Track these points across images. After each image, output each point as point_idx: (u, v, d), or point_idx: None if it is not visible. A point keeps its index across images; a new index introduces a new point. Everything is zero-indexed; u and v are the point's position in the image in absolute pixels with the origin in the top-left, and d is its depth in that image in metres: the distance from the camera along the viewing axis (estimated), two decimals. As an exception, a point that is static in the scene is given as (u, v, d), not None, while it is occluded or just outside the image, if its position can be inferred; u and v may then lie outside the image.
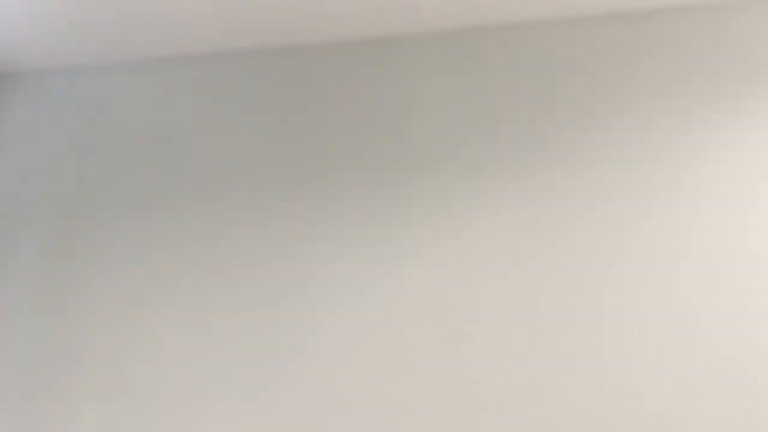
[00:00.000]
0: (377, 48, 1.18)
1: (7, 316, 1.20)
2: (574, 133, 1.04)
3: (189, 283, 1.14)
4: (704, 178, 0.96)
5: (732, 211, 0.94)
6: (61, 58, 1.28)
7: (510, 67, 1.10)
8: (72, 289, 1.19)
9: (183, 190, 1.20)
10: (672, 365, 0.89)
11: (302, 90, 1.20)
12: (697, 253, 0.93)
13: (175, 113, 1.25)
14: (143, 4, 1.05)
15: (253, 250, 1.13)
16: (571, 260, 0.98)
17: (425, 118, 1.12)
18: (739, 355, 0.87)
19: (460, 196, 1.06)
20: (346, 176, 1.14)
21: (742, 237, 0.92)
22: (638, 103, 1.03)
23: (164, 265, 1.17)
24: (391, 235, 1.07)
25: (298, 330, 1.07)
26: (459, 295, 1.01)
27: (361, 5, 1.04)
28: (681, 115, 1.00)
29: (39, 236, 1.23)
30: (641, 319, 0.93)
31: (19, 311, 1.20)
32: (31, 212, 1.25)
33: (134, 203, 1.21)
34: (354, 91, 1.17)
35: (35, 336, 1.18)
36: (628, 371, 0.91)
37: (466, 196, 1.06)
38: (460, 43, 1.13)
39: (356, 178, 1.13)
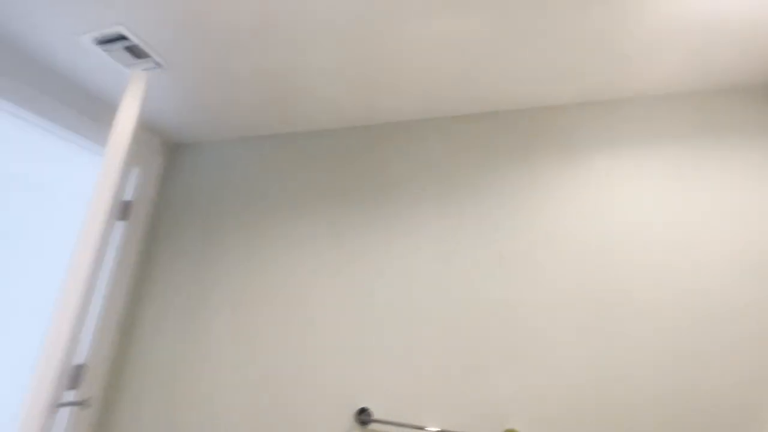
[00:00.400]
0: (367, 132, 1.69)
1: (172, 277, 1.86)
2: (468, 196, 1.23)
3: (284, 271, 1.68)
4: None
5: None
6: (208, 135, 2.04)
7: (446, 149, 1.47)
8: (210, 276, 1.81)
9: (274, 223, 1.81)
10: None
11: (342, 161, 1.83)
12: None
13: (270, 173, 1.89)
14: (258, 105, 1.69)
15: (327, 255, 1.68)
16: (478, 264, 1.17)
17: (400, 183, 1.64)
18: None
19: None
20: (356, 217, 1.65)
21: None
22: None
23: (263, 269, 1.77)
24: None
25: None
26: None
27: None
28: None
29: (193, 243, 1.90)
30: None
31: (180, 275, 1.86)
32: (189, 230, 1.93)
33: (245, 230, 1.83)
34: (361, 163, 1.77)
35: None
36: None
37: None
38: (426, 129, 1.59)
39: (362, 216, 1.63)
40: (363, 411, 1.37)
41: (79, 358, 1.64)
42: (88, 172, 1.90)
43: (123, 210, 1.82)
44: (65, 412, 1.57)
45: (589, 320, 1.26)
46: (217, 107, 1.76)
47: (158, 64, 1.50)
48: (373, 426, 1.36)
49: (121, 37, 1.39)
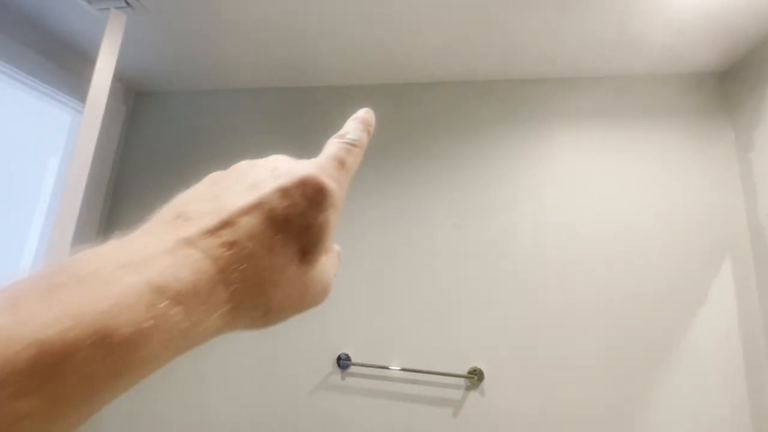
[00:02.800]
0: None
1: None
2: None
3: None
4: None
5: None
6: (178, 84, 1.94)
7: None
8: None
9: None
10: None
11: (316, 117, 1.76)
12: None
13: (240, 122, 1.87)
14: (234, 55, 1.63)
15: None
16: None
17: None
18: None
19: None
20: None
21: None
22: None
23: None
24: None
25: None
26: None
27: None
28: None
29: (157, 196, 1.65)
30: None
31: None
32: (155, 184, 1.86)
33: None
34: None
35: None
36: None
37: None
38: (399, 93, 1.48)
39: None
40: (342, 356, 1.50)
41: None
42: (54, 123, 1.75)
43: (86, 160, 1.72)
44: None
45: (542, 276, 1.45)
46: (194, 55, 1.68)
47: (128, 3, 1.39)
48: (351, 369, 1.50)
49: (88, -29, 1.27)
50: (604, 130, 1.54)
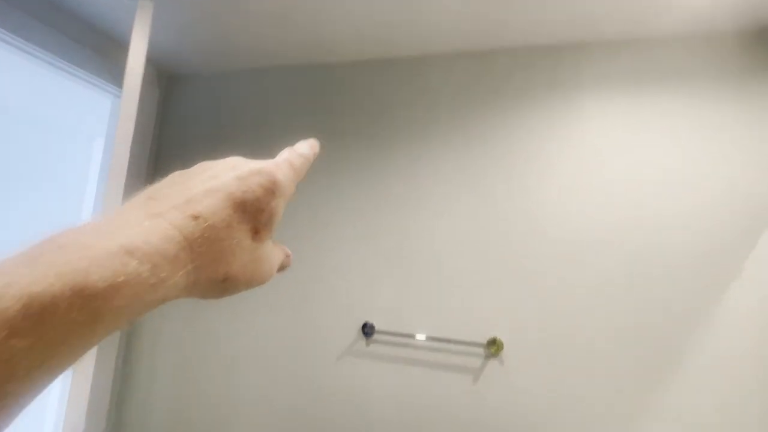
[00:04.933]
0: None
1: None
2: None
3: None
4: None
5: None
6: (208, 66, 2.00)
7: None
8: None
9: (278, 145, 1.77)
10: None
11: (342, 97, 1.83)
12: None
13: (272, 104, 1.92)
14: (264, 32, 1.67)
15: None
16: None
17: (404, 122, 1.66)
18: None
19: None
20: (362, 153, 1.71)
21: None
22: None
23: None
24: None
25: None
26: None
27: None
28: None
29: None
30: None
31: None
32: (191, 160, 1.82)
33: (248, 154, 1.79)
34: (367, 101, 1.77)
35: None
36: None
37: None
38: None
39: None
40: (367, 325, 1.58)
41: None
42: (97, 107, 1.88)
43: (126, 142, 1.84)
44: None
45: (568, 248, 1.44)
46: (223, 36, 1.72)
47: (156, -10, 1.45)
48: (375, 337, 1.57)
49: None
50: (636, 97, 1.47)
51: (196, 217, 0.21)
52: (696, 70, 1.43)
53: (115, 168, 1.16)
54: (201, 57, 1.91)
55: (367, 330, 1.57)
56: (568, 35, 1.52)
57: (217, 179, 0.24)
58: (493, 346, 1.44)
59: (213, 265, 0.22)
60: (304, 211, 1.75)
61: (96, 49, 1.71)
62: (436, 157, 1.63)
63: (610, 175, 1.45)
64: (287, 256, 0.31)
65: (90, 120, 2.08)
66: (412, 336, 1.51)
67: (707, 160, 1.38)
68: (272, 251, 0.28)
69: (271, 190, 0.25)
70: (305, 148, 0.33)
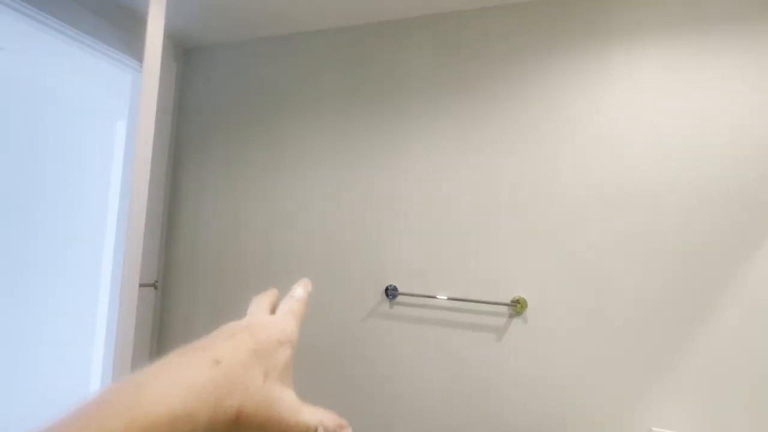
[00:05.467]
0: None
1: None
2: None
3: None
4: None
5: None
6: (222, 37, 2.01)
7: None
8: (245, 167, 2.00)
9: (291, 114, 1.91)
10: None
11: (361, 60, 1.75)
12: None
13: (289, 72, 1.92)
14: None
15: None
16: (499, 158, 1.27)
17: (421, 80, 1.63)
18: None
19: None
20: (381, 116, 1.70)
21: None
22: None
23: (294, 168, 1.91)
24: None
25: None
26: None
27: None
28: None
29: (220, 144, 2.00)
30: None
31: (210, 177, 1.90)
32: (212, 132, 2.01)
33: (269, 125, 1.91)
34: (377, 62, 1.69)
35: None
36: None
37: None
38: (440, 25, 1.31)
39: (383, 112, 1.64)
40: (390, 287, 1.62)
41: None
42: (117, 83, 1.91)
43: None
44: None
45: (592, 207, 1.42)
46: (237, 3, 1.71)
47: (166, -42, 1.43)
48: (399, 299, 1.61)
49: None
50: (670, 46, 1.40)
51: (218, 363, 0.26)
52: (742, 13, 1.34)
53: (140, 154, 1.18)
54: (217, 28, 1.89)
55: (390, 292, 1.61)
56: (594, -18, 1.43)
57: (233, 337, 0.30)
58: (517, 304, 1.46)
59: (230, 399, 0.25)
60: (331, 176, 1.76)
61: (114, 21, 1.72)
62: (456, 117, 1.61)
63: (636, 132, 1.40)
64: (340, 426, 0.32)
65: (112, 99, 2.12)
66: (434, 297, 1.54)
67: (753, 120, 1.31)
68: (293, 402, 0.30)
69: (283, 342, 0.31)
70: (300, 291, 0.39)
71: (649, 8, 1.42)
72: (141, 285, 1.36)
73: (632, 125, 1.41)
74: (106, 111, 2.21)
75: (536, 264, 1.47)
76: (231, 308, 1.86)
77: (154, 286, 1.74)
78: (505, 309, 1.48)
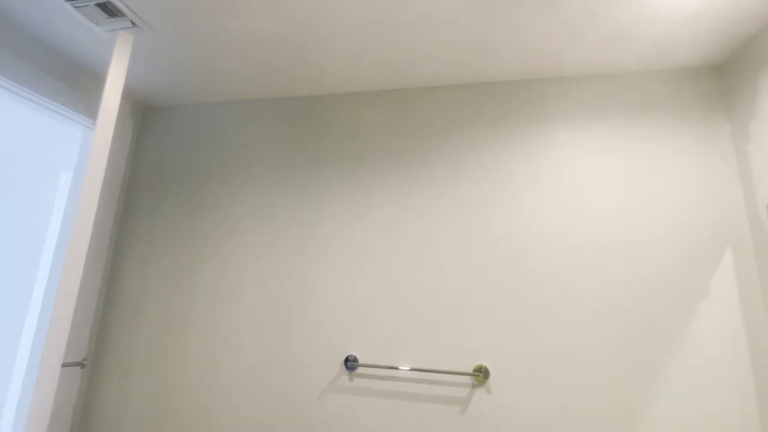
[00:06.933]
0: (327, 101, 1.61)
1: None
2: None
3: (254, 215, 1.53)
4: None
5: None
6: (183, 99, 2.03)
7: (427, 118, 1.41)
8: (198, 230, 1.87)
9: (248, 178, 1.89)
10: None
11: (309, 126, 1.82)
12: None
13: (248, 131, 1.95)
14: (237, 67, 1.51)
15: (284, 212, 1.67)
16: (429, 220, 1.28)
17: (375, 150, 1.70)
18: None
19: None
20: (333, 183, 1.74)
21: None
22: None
23: (248, 231, 1.80)
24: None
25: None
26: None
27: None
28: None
29: (171, 207, 1.92)
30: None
31: (159, 237, 1.79)
32: (167, 190, 1.94)
33: (225, 186, 1.88)
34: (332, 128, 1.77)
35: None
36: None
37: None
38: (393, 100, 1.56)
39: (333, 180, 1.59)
40: (350, 358, 1.53)
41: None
42: (64, 141, 1.82)
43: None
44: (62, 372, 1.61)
45: (544, 273, 1.47)
46: (199, 70, 1.73)
47: (134, 24, 1.45)
48: (359, 370, 1.53)
49: (94, -7, 1.33)
50: (601, 127, 1.56)
51: None
52: (658, 102, 1.54)
53: (85, 200, 1.11)
54: (178, 89, 1.90)
55: (350, 363, 1.52)
56: (538, 70, 1.61)
57: None
58: (479, 374, 1.42)
59: None
60: (287, 241, 1.72)
61: (67, 80, 1.68)
62: (415, 187, 1.66)
63: (584, 202, 1.51)
64: None
65: (58, 153, 2.02)
66: (396, 368, 1.48)
67: (670, 187, 1.46)
68: None
69: None
70: None
71: (580, 97, 1.60)
72: (65, 364, 1.19)
73: (579, 198, 1.52)
74: (51, 163, 2.08)
75: (497, 331, 1.46)
76: (172, 393, 1.67)
77: (81, 365, 1.53)
78: (468, 379, 1.44)
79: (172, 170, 1.94)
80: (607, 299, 1.41)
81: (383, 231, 1.64)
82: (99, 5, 1.38)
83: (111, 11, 1.40)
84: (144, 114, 2.07)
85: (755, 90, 1.35)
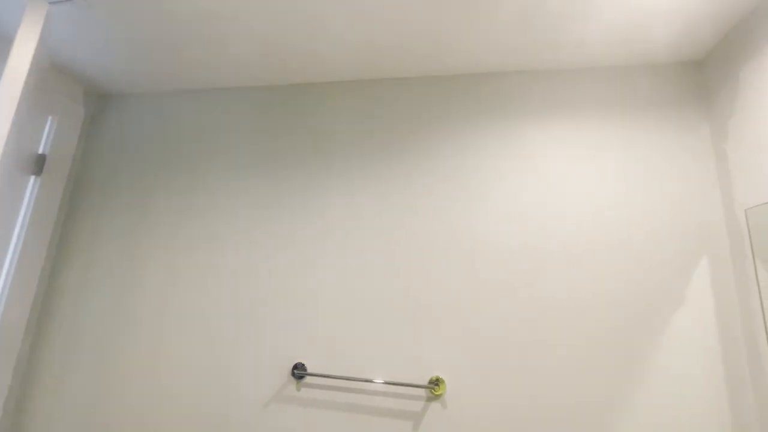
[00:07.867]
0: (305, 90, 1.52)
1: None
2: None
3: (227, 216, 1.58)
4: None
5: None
6: (140, 87, 1.89)
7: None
8: (143, 229, 1.74)
9: (213, 169, 1.75)
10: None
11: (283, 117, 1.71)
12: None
13: (208, 123, 1.82)
14: (197, 53, 1.58)
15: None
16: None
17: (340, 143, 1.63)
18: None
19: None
20: (294, 179, 1.64)
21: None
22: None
23: (198, 229, 1.70)
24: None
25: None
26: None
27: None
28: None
29: (124, 197, 1.79)
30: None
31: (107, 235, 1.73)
32: (118, 188, 1.80)
33: (181, 180, 1.75)
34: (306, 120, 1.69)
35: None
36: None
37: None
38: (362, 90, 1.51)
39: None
40: (298, 366, 1.41)
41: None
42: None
43: (36, 163, 1.66)
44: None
45: (508, 281, 1.36)
46: (156, 56, 1.62)
47: (70, -2, 1.34)
48: (307, 380, 1.41)
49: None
50: (575, 124, 1.47)
51: None
52: (635, 99, 1.45)
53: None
54: (136, 76, 1.79)
55: (297, 372, 1.40)
56: (512, 63, 1.51)
57: None
58: (435, 386, 1.30)
59: None
60: (233, 242, 1.60)
61: None
62: (373, 187, 1.55)
63: (550, 204, 1.41)
64: None
65: None
66: (347, 378, 1.36)
67: (646, 187, 1.36)
68: None
69: None
70: None
71: (555, 92, 1.50)
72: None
73: (544, 200, 1.42)
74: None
75: (454, 342, 1.35)
76: (107, 406, 1.54)
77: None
78: (422, 392, 1.32)
79: (125, 164, 1.82)
80: (575, 308, 1.30)
81: (337, 233, 1.53)
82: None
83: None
84: (99, 101, 1.95)
85: (735, 86, 1.26)
